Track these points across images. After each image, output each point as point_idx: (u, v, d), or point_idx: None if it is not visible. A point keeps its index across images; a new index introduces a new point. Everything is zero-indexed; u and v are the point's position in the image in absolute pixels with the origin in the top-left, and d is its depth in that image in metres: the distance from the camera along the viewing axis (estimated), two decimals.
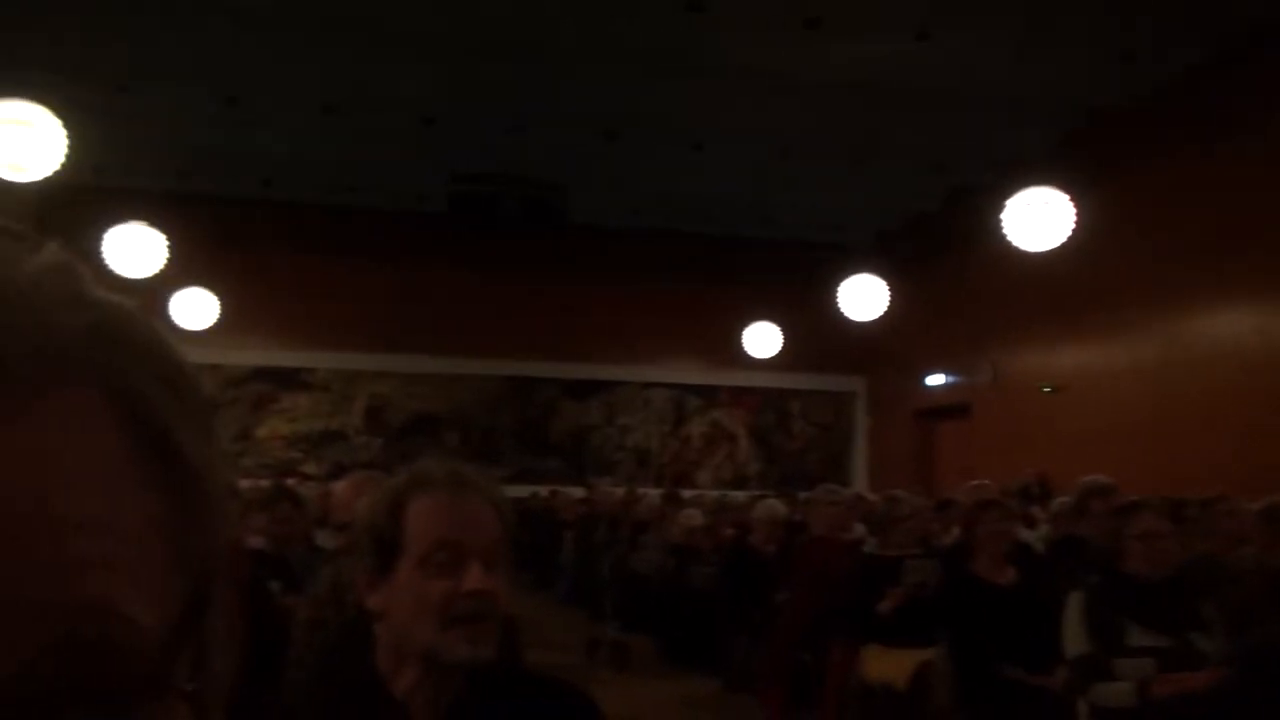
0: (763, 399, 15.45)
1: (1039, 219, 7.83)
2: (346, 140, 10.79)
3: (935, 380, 13.53)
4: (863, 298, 10.81)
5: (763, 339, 13.20)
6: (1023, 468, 10.42)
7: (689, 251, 14.59)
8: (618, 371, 14.94)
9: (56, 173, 7.17)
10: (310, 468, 13.48)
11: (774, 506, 6.76)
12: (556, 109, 10.04)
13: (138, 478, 0.29)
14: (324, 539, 4.72)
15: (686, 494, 11.18)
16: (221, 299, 11.93)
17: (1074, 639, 3.34)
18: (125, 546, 0.28)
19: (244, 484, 6.64)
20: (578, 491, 12.92)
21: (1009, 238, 8.02)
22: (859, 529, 6.57)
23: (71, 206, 11.54)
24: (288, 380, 13.97)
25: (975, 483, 6.21)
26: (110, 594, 0.27)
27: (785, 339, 13.23)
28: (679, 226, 14.17)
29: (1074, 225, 7.79)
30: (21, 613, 0.25)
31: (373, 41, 8.65)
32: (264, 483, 8.05)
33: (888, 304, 10.84)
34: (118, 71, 9.18)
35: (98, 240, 9.79)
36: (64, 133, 6.85)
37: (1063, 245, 7.97)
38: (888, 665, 4.63)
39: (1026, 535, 6.04)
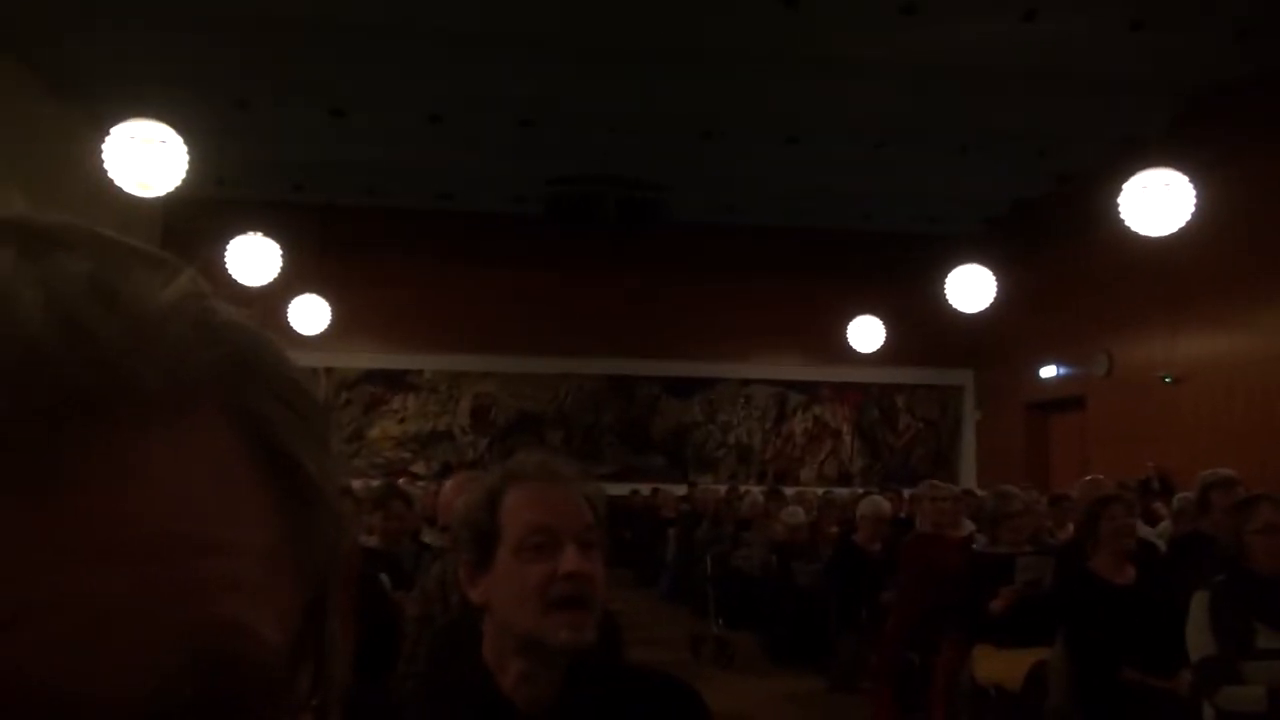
0: (866, 394, 15.21)
1: (1157, 202, 7.51)
2: (448, 146, 11.04)
3: (1047, 372, 13.09)
4: (969, 288, 10.54)
5: (866, 333, 12.99)
6: (1141, 462, 10.02)
7: (789, 247, 14.47)
8: (718, 369, 14.91)
9: (180, 187, 7.55)
10: (419, 467, 13.84)
11: (879, 503, 6.64)
12: (653, 108, 10.07)
13: (264, 498, 0.30)
14: (431, 537, 4.86)
15: (789, 491, 11.10)
16: (333, 304, 12.35)
17: (1199, 641, 3.20)
18: (253, 566, 0.29)
19: (356, 484, 6.87)
20: (679, 489, 12.96)
21: (1125, 222, 7.71)
22: (967, 526, 6.41)
23: (194, 219, 12.13)
24: (397, 382, 14.37)
25: (1090, 478, 6.00)
26: (241, 613, 0.28)
27: (889, 333, 12.99)
28: (778, 222, 14.07)
29: (1193, 208, 7.45)
30: (157, 632, 0.26)
31: (472, 50, 8.83)
32: (375, 482, 8.32)
33: (995, 294, 10.55)
34: (236, 90, 9.60)
35: (219, 250, 10.26)
36: (186, 150, 7.21)
37: (1181, 229, 7.62)
38: (1000, 665, 4.51)
39: (1147, 532, 5.81)
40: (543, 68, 9.25)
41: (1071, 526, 6.16)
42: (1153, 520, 7.11)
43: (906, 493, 10.09)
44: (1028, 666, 4.27)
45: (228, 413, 0.29)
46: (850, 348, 13.27)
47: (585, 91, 9.75)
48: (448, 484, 3.45)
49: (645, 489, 13.50)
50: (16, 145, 9.18)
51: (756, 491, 10.83)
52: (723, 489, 11.98)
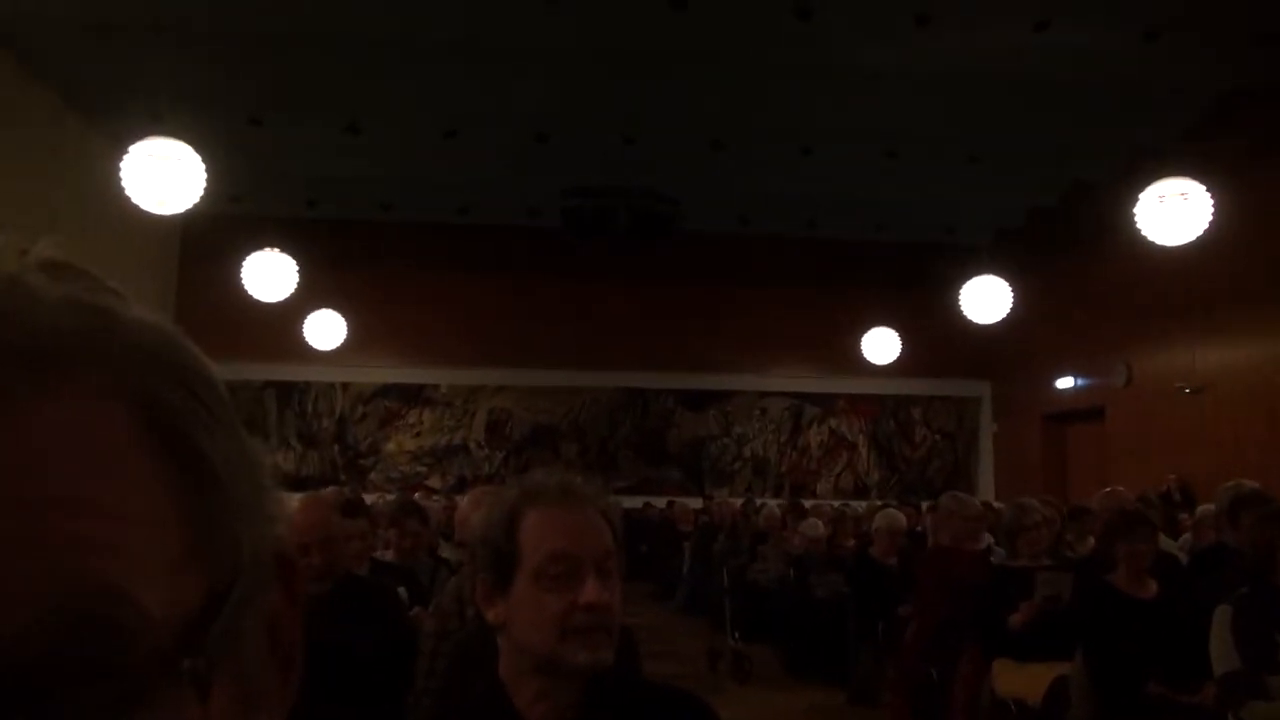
0: (882, 406, 15.15)
1: (1174, 212, 7.47)
2: (463, 161, 11.09)
3: (1064, 383, 13.02)
4: (985, 299, 10.49)
5: (881, 345, 12.94)
6: (1162, 473, 9.93)
7: (803, 258, 14.45)
8: (734, 381, 14.87)
9: (196, 204, 7.61)
10: (435, 481, 13.86)
11: (894, 516, 6.61)
12: (665, 120, 10.09)
13: (154, 477, 0.30)
14: (448, 551, 4.87)
15: (806, 504, 11.06)
16: (348, 319, 12.40)
17: (1222, 655, 3.17)
18: (133, 534, 0.29)
19: (372, 498, 6.89)
20: (695, 502, 12.92)
21: (1142, 232, 7.67)
22: (986, 539, 6.36)
23: (211, 235, 12.23)
24: (412, 396, 14.40)
25: (1110, 489, 5.94)
26: (112, 575, 0.28)
27: (905, 344, 12.94)
28: (792, 233, 14.05)
29: (1211, 217, 7.40)
30: (12, 584, 0.26)
31: (486, 65, 8.87)
32: (390, 497, 8.35)
33: (1012, 304, 10.49)
34: (251, 107, 9.67)
35: (236, 266, 10.33)
36: (203, 167, 7.27)
37: (1200, 238, 7.57)
38: (1020, 680, 4.46)
39: (1169, 545, 5.74)
40: (556, 81, 9.29)
41: (1091, 539, 6.09)
42: (1175, 532, 7.04)
43: (924, 505, 10.04)
44: (1049, 681, 4.23)
45: (121, 393, 0.30)
46: (865, 359, 13.23)
47: (599, 104, 9.79)
48: (465, 499, 3.45)
49: (661, 502, 13.48)
50: (38, 163, 9.28)
51: (773, 504, 10.80)
52: (739, 502, 11.96)
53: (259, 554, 0.33)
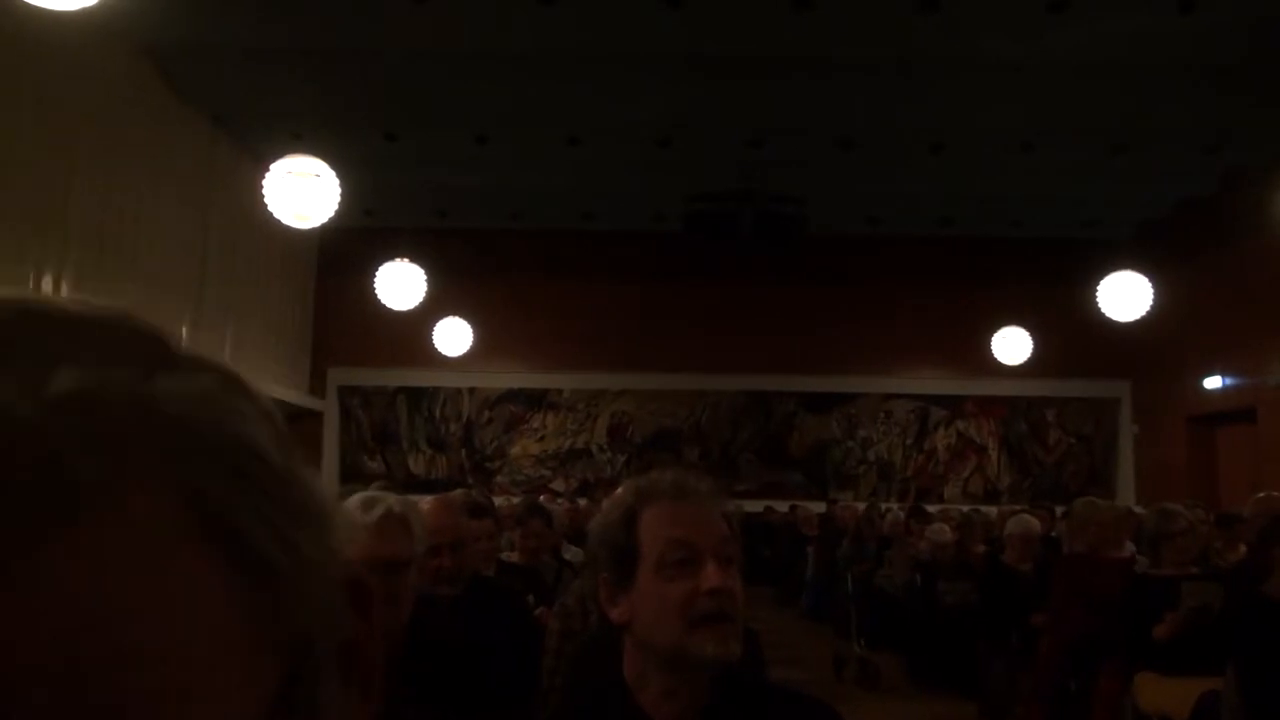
0: (1012, 408, 14.63)
1: None
2: (588, 168, 11.24)
3: (1212, 382, 12.31)
4: (1124, 295, 10.03)
5: (1012, 345, 12.51)
6: None
7: (931, 257, 14.11)
8: (857, 383, 14.61)
9: (333, 217, 7.96)
10: (559, 484, 14.08)
11: (1028, 521, 6.38)
12: (790, 121, 10.00)
13: (210, 581, 0.29)
14: (571, 553, 4.95)
15: (932, 509, 10.79)
16: (475, 326, 12.74)
17: None
18: (191, 661, 0.28)
19: (498, 501, 7.08)
20: (818, 506, 12.77)
21: None
22: (1128, 546, 6.08)
23: (346, 246, 12.77)
24: (536, 401, 14.67)
25: (1263, 494, 5.60)
26: (172, 695, 0.27)
27: (1037, 344, 12.48)
28: (921, 232, 13.73)
29: None
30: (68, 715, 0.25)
31: (607, 72, 8.98)
32: (516, 499, 8.55)
33: (1154, 300, 10.00)
34: (384, 123, 10.05)
35: (369, 276, 10.77)
36: (338, 182, 7.60)
37: None
38: (1165, 695, 4.25)
39: None
40: (678, 86, 9.31)
41: (1243, 547, 5.77)
42: None
43: (1059, 510, 9.68)
44: (1196, 696, 4.02)
45: (169, 494, 0.28)
46: (995, 360, 12.82)
47: (721, 107, 9.77)
48: (605, 502, 3.52)
49: (783, 506, 13.36)
50: (193, 184, 9.89)
51: (897, 509, 10.58)
52: (862, 506, 11.76)
53: (330, 611, 0.33)
